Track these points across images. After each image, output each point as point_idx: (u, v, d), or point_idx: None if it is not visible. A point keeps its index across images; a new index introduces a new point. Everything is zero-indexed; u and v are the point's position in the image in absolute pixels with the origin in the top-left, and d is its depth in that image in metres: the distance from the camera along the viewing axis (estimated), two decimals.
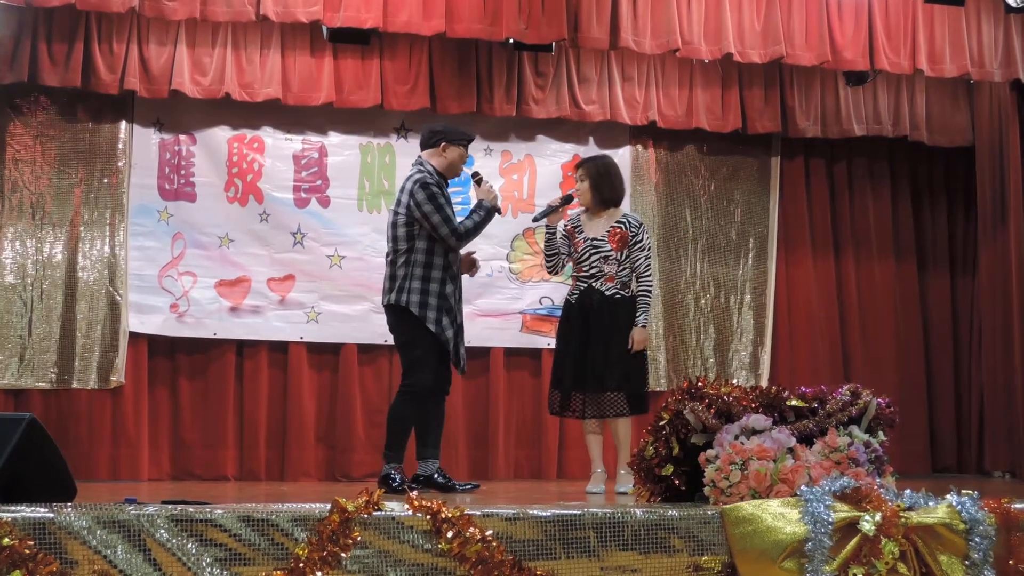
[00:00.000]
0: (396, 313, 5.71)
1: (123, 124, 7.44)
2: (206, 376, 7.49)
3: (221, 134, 7.60)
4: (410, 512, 3.65)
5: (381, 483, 5.46)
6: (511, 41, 7.07)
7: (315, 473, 7.54)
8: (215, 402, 7.47)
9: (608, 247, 5.87)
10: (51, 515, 3.42)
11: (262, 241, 7.58)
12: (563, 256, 6.07)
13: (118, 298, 7.32)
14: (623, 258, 5.88)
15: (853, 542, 3.75)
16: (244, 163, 7.61)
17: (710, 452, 4.17)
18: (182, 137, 7.54)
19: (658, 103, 7.95)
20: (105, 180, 7.39)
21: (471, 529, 3.62)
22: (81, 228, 7.32)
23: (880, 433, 4.38)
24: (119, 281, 7.34)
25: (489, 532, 3.64)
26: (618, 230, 5.90)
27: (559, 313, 6.28)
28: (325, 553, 3.52)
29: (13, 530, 3.33)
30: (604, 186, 5.97)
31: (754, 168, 8.44)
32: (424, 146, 5.89)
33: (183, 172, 7.52)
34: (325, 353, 7.66)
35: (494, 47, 7.54)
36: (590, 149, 7.91)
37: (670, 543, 3.82)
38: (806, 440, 4.23)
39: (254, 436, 7.49)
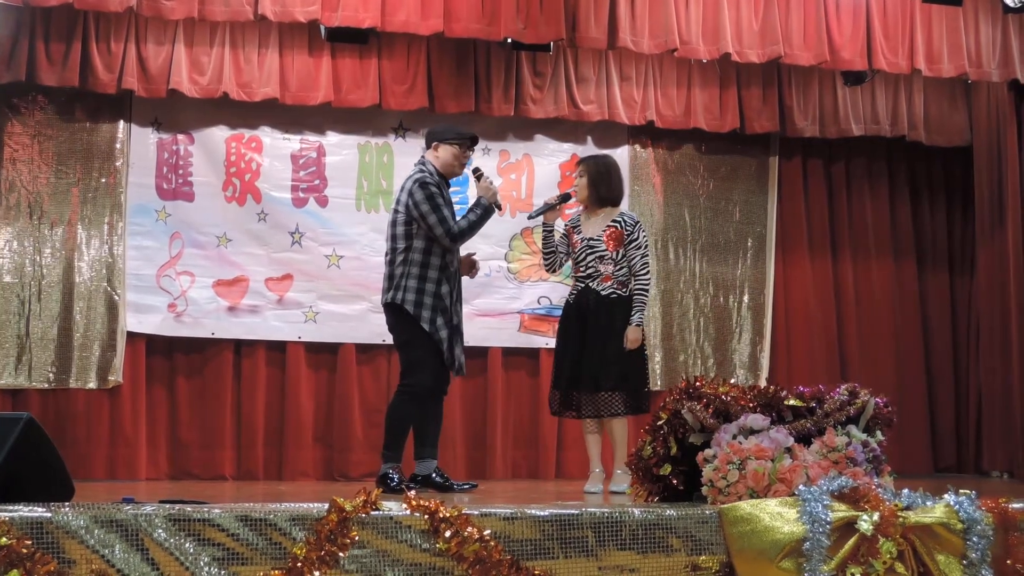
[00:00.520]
0: (394, 312, 5.72)
1: (121, 123, 7.44)
2: (204, 376, 7.49)
3: (219, 133, 7.59)
4: (408, 512, 3.65)
5: (379, 483, 5.46)
6: (509, 41, 7.07)
7: (313, 473, 7.54)
8: (213, 402, 7.46)
9: (603, 247, 5.87)
10: (49, 515, 3.42)
11: (260, 241, 7.58)
12: (561, 255, 6.06)
13: (116, 298, 7.32)
14: (619, 257, 5.87)
15: (851, 542, 3.75)
16: (242, 163, 7.61)
17: (708, 452, 4.17)
18: (180, 136, 7.54)
19: (656, 103, 7.94)
20: (103, 179, 7.39)
21: (469, 529, 3.61)
22: (79, 227, 7.31)
23: (878, 433, 4.38)
24: (117, 281, 7.34)
25: (487, 532, 3.64)
26: (614, 229, 5.89)
27: (557, 313, 6.28)
28: (323, 553, 3.52)
29: (11, 529, 3.33)
30: (602, 184, 5.96)
31: (752, 168, 8.44)
32: (425, 147, 5.93)
33: (181, 172, 7.52)
34: (323, 353, 7.66)
35: (492, 47, 7.54)
36: (588, 149, 7.91)
37: (668, 543, 3.82)
38: (804, 440, 4.23)
39: (252, 436, 7.49)
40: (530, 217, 6.42)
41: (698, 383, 4.38)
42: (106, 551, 3.41)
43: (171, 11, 6.60)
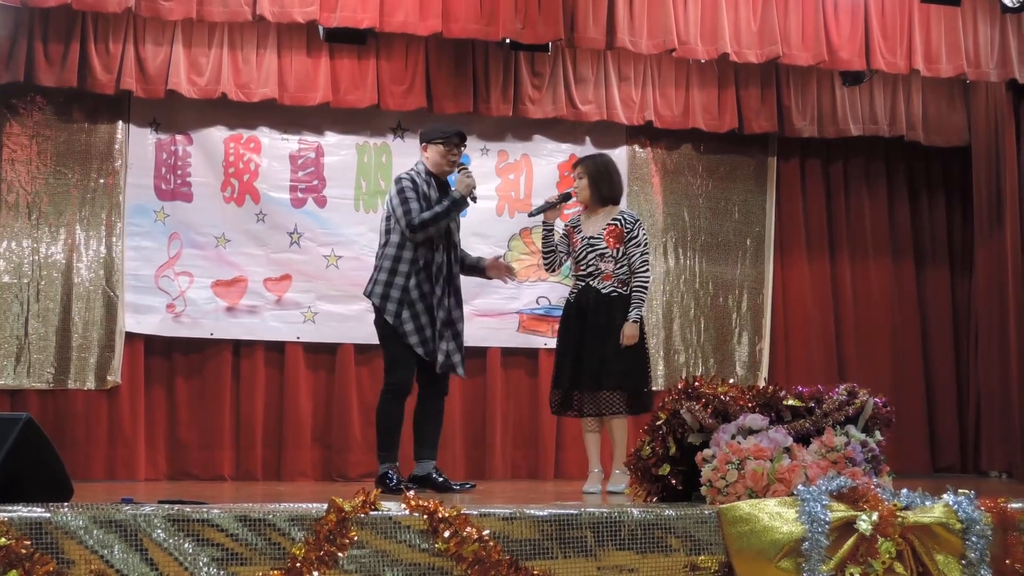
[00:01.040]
0: (373, 309, 5.74)
1: (119, 124, 7.43)
2: (203, 376, 7.49)
3: (217, 134, 7.59)
4: (407, 512, 3.64)
5: (378, 483, 5.46)
6: (507, 41, 7.06)
7: (311, 473, 7.54)
8: (211, 402, 7.46)
9: (604, 245, 5.87)
10: (48, 515, 3.42)
11: (259, 241, 7.58)
12: (561, 254, 6.06)
13: (114, 298, 7.32)
14: (620, 255, 5.87)
15: (850, 542, 3.75)
16: (240, 163, 7.61)
17: (707, 452, 4.17)
18: (178, 137, 7.54)
19: (654, 103, 7.95)
20: (101, 180, 7.38)
21: (468, 529, 3.61)
22: (77, 228, 7.31)
23: (877, 432, 4.38)
24: (115, 281, 7.33)
25: (486, 532, 3.63)
26: (614, 227, 5.89)
27: (556, 313, 6.28)
28: (322, 553, 3.52)
29: (10, 530, 3.33)
30: (603, 183, 5.96)
31: (751, 168, 8.44)
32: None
33: (179, 172, 7.52)
34: (321, 353, 7.66)
35: (490, 47, 7.54)
36: (587, 149, 7.90)
37: (667, 543, 3.81)
38: (803, 440, 4.23)
39: (251, 436, 7.49)
40: (530, 215, 6.41)
41: (697, 383, 4.38)
42: (105, 551, 3.40)
43: (169, 12, 6.60)
